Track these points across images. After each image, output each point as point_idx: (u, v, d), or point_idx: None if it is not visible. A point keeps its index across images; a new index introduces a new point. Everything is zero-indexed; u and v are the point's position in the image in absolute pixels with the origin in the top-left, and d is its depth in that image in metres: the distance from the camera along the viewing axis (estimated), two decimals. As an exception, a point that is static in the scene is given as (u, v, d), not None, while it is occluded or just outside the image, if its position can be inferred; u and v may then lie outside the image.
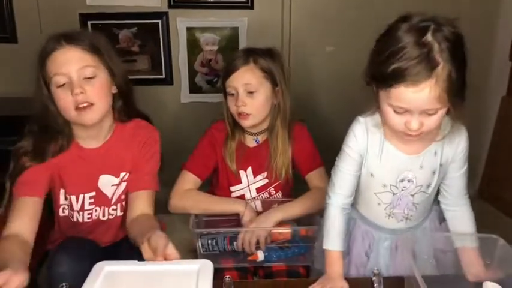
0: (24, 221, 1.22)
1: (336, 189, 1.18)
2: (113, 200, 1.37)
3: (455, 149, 1.14)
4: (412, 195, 1.18)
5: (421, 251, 1.14)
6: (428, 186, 1.17)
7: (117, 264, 1.09)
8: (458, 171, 1.17)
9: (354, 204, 1.26)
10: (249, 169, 1.54)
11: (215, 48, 2.46)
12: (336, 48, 2.46)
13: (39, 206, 1.26)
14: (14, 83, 2.44)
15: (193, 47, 2.47)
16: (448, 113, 1.04)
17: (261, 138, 1.55)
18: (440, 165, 1.15)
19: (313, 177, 1.52)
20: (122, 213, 1.40)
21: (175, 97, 2.55)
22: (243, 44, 2.42)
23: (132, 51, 2.44)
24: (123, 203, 1.39)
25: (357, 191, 1.22)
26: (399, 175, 1.15)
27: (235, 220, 1.50)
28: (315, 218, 1.43)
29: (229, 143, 1.52)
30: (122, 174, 1.35)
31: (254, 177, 1.54)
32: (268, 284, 1.13)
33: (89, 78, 1.21)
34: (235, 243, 1.41)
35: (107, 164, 1.33)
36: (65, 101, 1.20)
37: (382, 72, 0.99)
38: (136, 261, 1.09)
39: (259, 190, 1.55)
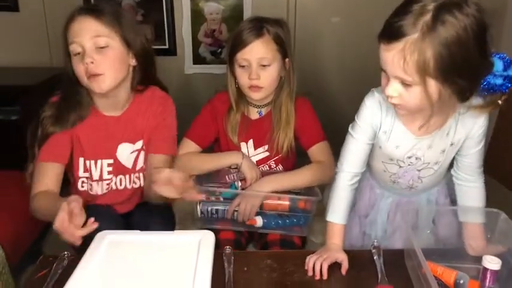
0: (49, 182, 1.28)
1: (347, 158, 1.17)
2: (137, 168, 1.40)
3: (470, 128, 1.10)
4: (419, 170, 1.17)
5: (420, 220, 1.15)
6: (436, 163, 1.16)
7: (119, 234, 1.11)
8: (474, 148, 1.13)
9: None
10: (250, 141, 1.53)
11: (219, 17, 2.42)
12: (342, 19, 2.42)
13: (61, 171, 1.32)
14: (16, 52, 2.43)
15: (197, 17, 2.42)
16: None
17: (264, 110, 1.53)
18: (451, 144, 1.12)
19: (315, 152, 1.50)
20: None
21: (179, 68, 2.52)
22: (247, 13, 2.38)
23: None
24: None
25: None
26: (407, 153, 1.14)
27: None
28: (314, 190, 1.43)
29: (233, 115, 1.50)
30: (140, 142, 1.39)
31: (255, 149, 1.53)
32: (267, 255, 1.14)
33: (101, 47, 1.23)
34: (236, 213, 1.41)
35: (125, 133, 1.37)
36: (79, 70, 1.25)
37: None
38: (138, 231, 1.11)
39: (259, 163, 1.54)
